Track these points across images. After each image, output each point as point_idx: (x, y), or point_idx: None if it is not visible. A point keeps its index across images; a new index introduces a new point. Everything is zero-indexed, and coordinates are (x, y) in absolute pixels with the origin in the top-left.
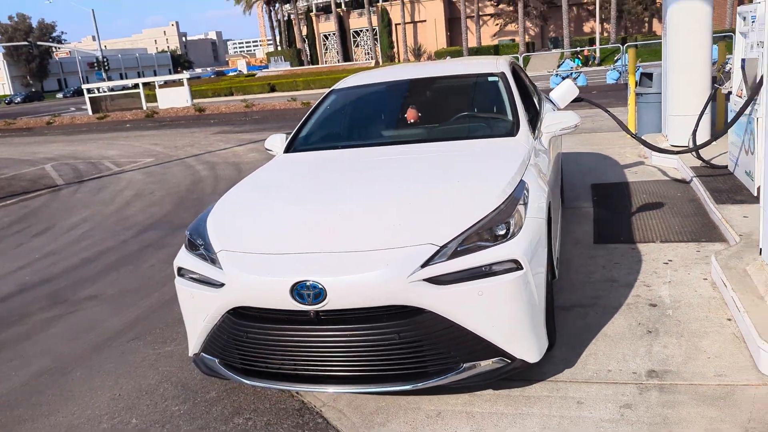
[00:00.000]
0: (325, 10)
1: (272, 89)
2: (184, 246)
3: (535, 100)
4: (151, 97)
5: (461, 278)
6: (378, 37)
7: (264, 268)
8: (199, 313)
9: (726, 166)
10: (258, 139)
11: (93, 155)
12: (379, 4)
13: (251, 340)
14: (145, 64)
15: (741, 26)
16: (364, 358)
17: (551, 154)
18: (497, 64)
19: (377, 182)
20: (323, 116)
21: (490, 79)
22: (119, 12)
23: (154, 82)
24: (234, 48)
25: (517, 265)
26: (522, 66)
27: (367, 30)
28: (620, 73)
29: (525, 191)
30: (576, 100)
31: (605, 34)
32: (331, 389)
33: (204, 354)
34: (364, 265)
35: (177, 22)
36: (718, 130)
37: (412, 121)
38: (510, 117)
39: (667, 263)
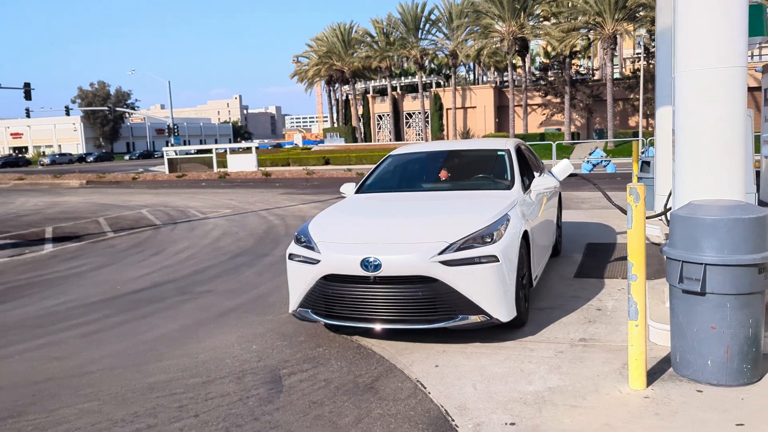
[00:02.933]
0: (381, 92)
1: (327, 162)
2: (293, 242)
3: (535, 171)
4: (220, 163)
5: (462, 263)
6: (429, 119)
7: (345, 250)
8: (301, 280)
9: None
10: (319, 200)
11: (179, 205)
12: (432, 90)
13: (333, 295)
14: (207, 132)
15: None
16: (400, 306)
17: (543, 203)
18: (506, 143)
19: (417, 208)
20: (383, 172)
21: (499, 153)
22: (187, 83)
23: (226, 148)
24: (291, 122)
25: (495, 259)
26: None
27: (420, 113)
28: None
29: (507, 220)
30: (572, 175)
31: (650, 129)
32: (378, 326)
33: (300, 308)
34: (406, 250)
35: (240, 96)
36: None
37: (443, 178)
38: (508, 177)
39: (620, 290)
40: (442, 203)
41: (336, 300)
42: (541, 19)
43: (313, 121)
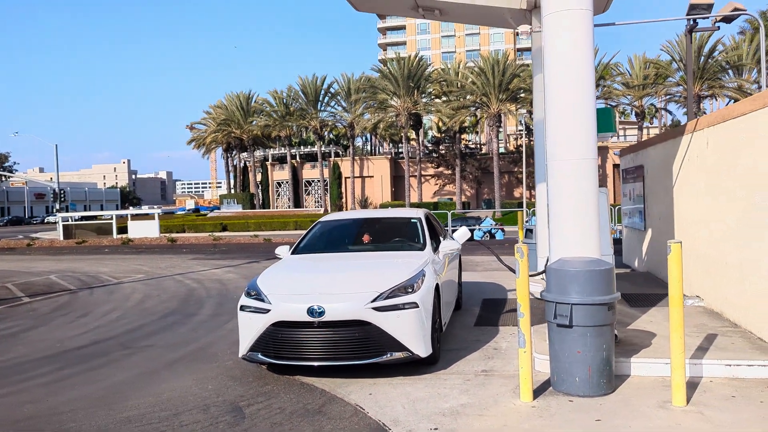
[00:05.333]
0: (281, 160)
1: (224, 228)
2: (243, 295)
3: (441, 236)
4: (119, 229)
5: (390, 309)
6: (328, 187)
7: (293, 300)
8: (252, 327)
9: None
10: (231, 265)
11: (88, 271)
12: (331, 159)
13: (282, 339)
14: (93, 198)
15: None
16: (340, 346)
17: (445, 263)
18: (417, 213)
19: (348, 265)
20: (313, 236)
21: (413, 220)
22: (70, 146)
23: (128, 214)
24: (183, 188)
25: (416, 305)
26: (450, 220)
27: (319, 180)
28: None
29: (423, 275)
30: (469, 239)
31: (532, 200)
32: (322, 363)
33: (251, 352)
34: (344, 299)
35: (128, 160)
36: None
37: (366, 241)
38: (421, 241)
39: (512, 334)
40: (369, 261)
41: (284, 343)
42: (433, 97)
43: (206, 187)
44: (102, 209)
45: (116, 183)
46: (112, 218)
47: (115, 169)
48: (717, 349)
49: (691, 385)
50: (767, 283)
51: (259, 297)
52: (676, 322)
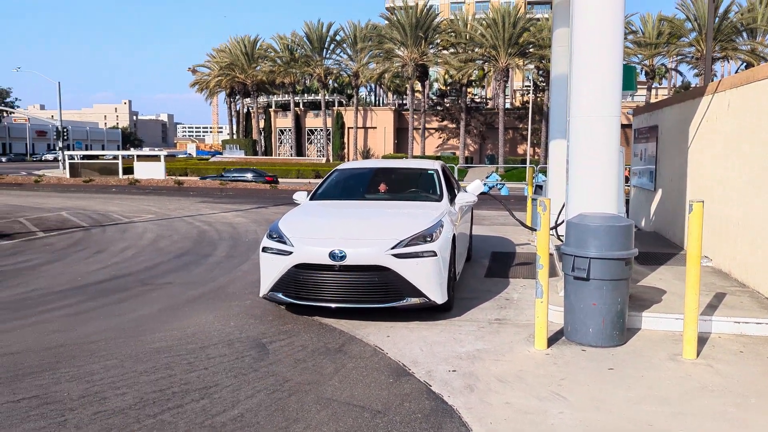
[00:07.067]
0: (284, 107)
1: None
2: (265, 237)
3: (455, 188)
4: (124, 169)
5: (409, 256)
6: (331, 137)
7: (316, 243)
8: (274, 268)
9: None
10: (240, 209)
11: (98, 209)
12: (335, 108)
13: (303, 280)
14: (94, 137)
15: None
16: (360, 290)
17: (460, 215)
18: (434, 164)
19: (368, 213)
20: (331, 183)
21: (429, 171)
22: (70, 84)
23: (133, 155)
24: (183, 131)
25: (435, 254)
26: (457, 173)
27: (322, 130)
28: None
29: (441, 225)
30: (482, 193)
31: (536, 157)
32: (342, 305)
33: (272, 291)
34: (365, 245)
35: (129, 101)
36: None
37: (382, 191)
38: (438, 192)
39: (523, 286)
40: (388, 210)
41: (305, 284)
42: (441, 48)
43: (207, 132)
44: (103, 149)
45: (117, 123)
46: (117, 158)
47: (116, 109)
48: (726, 307)
49: (701, 340)
50: None
51: (281, 239)
52: (693, 279)
